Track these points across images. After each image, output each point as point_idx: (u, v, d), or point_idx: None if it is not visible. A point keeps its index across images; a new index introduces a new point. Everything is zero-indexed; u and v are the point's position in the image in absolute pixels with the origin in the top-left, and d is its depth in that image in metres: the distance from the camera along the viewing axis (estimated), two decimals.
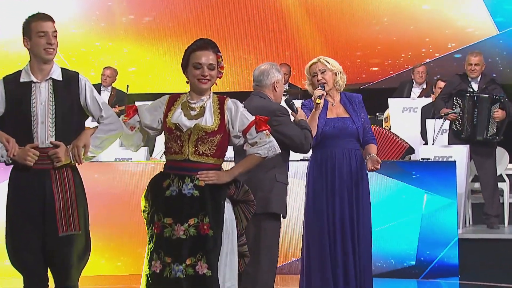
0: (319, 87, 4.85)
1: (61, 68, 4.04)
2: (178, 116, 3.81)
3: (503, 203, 7.97)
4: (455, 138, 7.78)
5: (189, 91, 3.90)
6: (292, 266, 6.98)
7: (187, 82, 3.88)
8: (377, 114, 9.72)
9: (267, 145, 3.85)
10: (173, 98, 3.90)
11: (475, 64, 7.69)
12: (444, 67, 10.74)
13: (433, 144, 7.87)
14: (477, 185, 8.04)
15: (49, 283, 3.99)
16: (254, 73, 4.72)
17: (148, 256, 3.77)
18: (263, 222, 4.48)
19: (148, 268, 3.73)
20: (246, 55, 11.51)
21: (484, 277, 6.82)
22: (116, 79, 10.09)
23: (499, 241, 7.26)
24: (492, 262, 7.09)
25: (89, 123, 4.21)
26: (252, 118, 3.85)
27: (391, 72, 11.34)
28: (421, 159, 7.40)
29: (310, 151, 4.83)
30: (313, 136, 4.72)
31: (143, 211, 3.89)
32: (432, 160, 7.42)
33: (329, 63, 4.90)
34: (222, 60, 3.86)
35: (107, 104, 4.13)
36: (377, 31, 11.12)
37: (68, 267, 3.94)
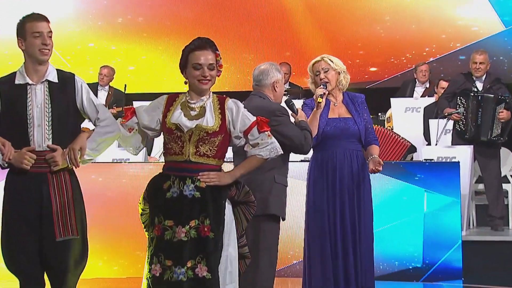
0: (321, 86, 4.82)
1: (57, 69, 4.01)
2: (178, 116, 3.78)
3: (507, 205, 7.95)
4: (458, 138, 7.75)
5: (188, 91, 3.87)
6: (293, 269, 6.96)
7: (186, 83, 3.85)
8: (379, 114, 9.79)
9: (269, 146, 3.84)
10: (172, 98, 3.87)
11: (480, 63, 7.64)
12: (448, 66, 10.76)
13: (436, 144, 7.85)
14: (481, 186, 8.02)
15: (45, 287, 3.96)
16: (253, 73, 4.71)
17: (148, 260, 3.74)
18: (261, 223, 4.46)
19: (148, 272, 3.71)
20: (246, 55, 11.52)
21: (488, 280, 6.79)
22: (113, 78, 10.04)
23: (504, 243, 7.23)
24: (497, 264, 7.06)
25: (86, 125, 4.17)
26: (253, 118, 3.84)
27: (393, 72, 11.34)
28: (424, 160, 7.37)
29: (311, 151, 4.80)
30: (314, 136, 4.70)
31: (141, 214, 3.86)
32: (435, 161, 7.38)
33: (332, 62, 4.87)
34: (220, 58, 3.83)
35: (104, 106, 4.13)
36: (379, 30, 11.13)
37: (65, 271, 3.91)
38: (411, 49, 11.13)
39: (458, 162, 7.10)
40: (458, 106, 7.67)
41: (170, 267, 3.65)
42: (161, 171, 3.85)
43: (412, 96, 9.48)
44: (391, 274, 6.84)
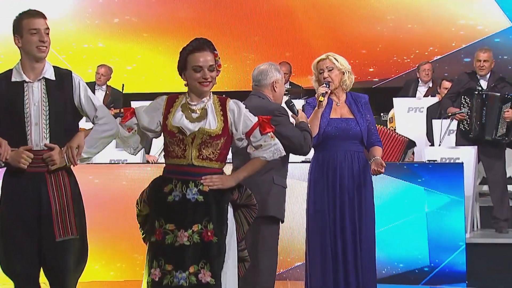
0: (324, 85, 4.80)
1: (54, 67, 3.97)
2: (180, 118, 3.75)
3: None
4: (462, 138, 7.69)
5: (187, 92, 3.82)
6: (294, 272, 6.92)
7: (186, 85, 3.81)
8: (382, 114, 9.80)
9: (272, 148, 3.82)
10: (172, 99, 3.83)
11: (484, 61, 7.59)
12: (451, 66, 10.77)
13: (439, 145, 7.82)
14: (485, 187, 8.01)
15: None
16: (253, 73, 4.71)
17: (148, 264, 3.72)
18: (260, 225, 4.44)
19: (148, 276, 3.69)
20: (246, 54, 11.51)
21: (492, 283, 6.77)
22: (111, 77, 10.00)
23: (508, 246, 7.16)
24: (501, 267, 7.00)
25: (83, 125, 4.16)
26: (255, 119, 3.82)
27: (396, 71, 11.35)
28: (427, 160, 7.34)
29: (311, 152, 4.79)
30: (315, 135, 4.70)
31: (138, 215, 3.85)
32: (439, 161, 7.35)
33: (337, 61, 4.84)
34: (219, 58, 3.81)
35: (102, 104, 4.10)
36: (381, 29, 11.12)
37: (65, 271, 3.90)
38: (414, 49, 11.14)
39: (462, 163, 7.06)
40: (462, 105, 7.61)
41: (170, 272, 3.62)
42: (161, 173, 3.82)
43: (415, 96, 9.49)
44: (393, 277, 6.80)
